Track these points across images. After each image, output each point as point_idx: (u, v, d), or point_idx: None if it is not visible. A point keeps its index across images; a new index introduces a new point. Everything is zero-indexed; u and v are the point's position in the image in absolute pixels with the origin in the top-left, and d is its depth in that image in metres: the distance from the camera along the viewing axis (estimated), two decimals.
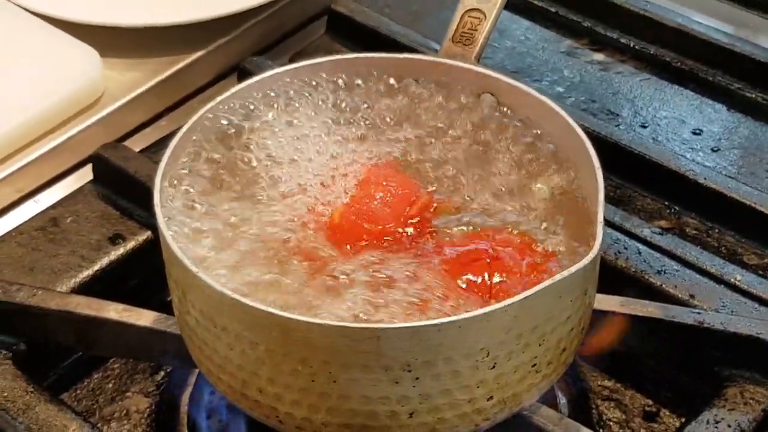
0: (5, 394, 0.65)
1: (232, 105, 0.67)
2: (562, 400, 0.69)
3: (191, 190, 0.63)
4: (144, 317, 0.66)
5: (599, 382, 0.72)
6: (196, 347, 0.60)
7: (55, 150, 0.80)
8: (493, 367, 0.56)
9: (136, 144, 0.81)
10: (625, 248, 0.72)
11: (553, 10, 0.95)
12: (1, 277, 0.69)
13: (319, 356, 0.55)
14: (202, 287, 0.56)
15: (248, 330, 0.56)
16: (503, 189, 0.62)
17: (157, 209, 0.59)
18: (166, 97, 0.85)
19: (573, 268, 0.56)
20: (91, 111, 0.82)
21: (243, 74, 0.83)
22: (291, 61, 0.88)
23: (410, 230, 0.60)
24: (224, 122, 0.66)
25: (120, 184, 0.76)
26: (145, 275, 0.74)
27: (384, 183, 0.60)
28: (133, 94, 0.83)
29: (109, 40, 0.84)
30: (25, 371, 0.66)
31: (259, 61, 0.85)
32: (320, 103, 0.65)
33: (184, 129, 0.64)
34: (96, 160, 0.78)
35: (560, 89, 0.88)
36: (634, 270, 0.71)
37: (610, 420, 0.70)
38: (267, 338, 0.55)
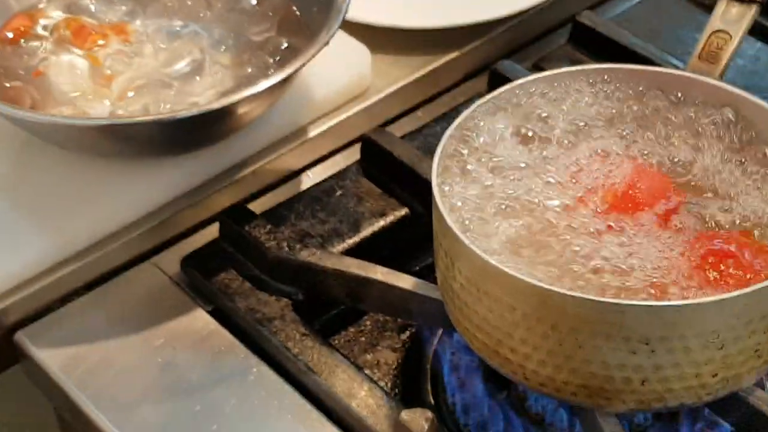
0: (285, 334, 0.76)
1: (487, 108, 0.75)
2: None
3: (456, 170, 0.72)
4: (404, 280, 0.76)
5: None
6: (457, 308, 0.69)
7: (328, 131, 0.89)
8: (721, 348, 0.63)
9: (397, 130, 0.90)
10: None
11: None
12: (286, 237, 0.81)
13: (568, 323, 0.63)
14: (471, 256, 0.65)
15: (509, 296, 0.64)
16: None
17: (435, 188, 0.68)
18: (423, 91, 0.94)
19: None
20: (359, 99, 0.91)
21: (494, 75, 0.92)
22: (535, 65, 0.97)
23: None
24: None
25: (384, 165, 0.86)
26: (401, 246, 0.84)
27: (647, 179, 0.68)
28: (395, 87, 0.92)
29: (379, 38, 0.93)
30: (302, 317, 0.78)
31: (509, 64, 0.93)
32: (585, 105, 0.74)
33: (462, 117, 0.72)
34: (365, 142, 0.88)
35: None
36: None
37: None
38: (525, 304, 0.64)
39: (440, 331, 0.80)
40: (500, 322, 0.66)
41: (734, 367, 0.65)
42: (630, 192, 0.68)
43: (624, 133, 0.72)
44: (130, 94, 0.82)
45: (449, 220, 0.66)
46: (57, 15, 0.89)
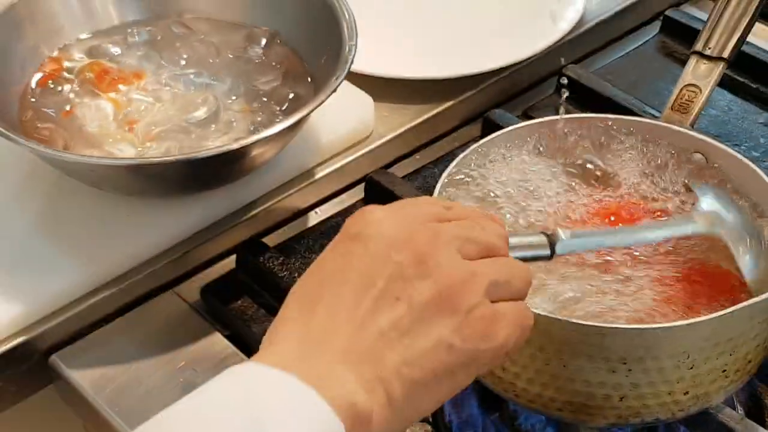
0: None
1: (482, 151, 0.82)
2: (740, 410, 0.81)
3: None
4: None
5: None
6: None
7: (334, 173, 0.95)
8: (692, 367, 0.69)
9: (398, 171, 0.97)
10: None
11: (754, 86, 1.05)
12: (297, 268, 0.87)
13: (554, 345, 0.69)
14: None
15: None
16: None
17: None
18: (422, 136, 1.00)
19: (762, 297, 0.69)
20: (363, 143, 0.97)
21: (487, 122, 0.99)
22: (524, 113, 1.04)
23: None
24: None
25: (386, 203, 0.93)
26: None
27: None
28: (396, 132, 0.99)
29: (380, 88, 1.00)
30: None
31: (500, 112, 0.99)
32: (561, 150, 0.81)
33: (457, 159, 0.80)
34: (368, 181, 0.94)
35: (756, 154, 0.98)
36: None
37: None
38: None
39: None
40: None
41: (704, 385, 0.71)
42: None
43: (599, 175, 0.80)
44: (153, 138, 0.88)
45: None
46: (80, 57, 0.95)
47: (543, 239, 0.67)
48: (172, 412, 0.56)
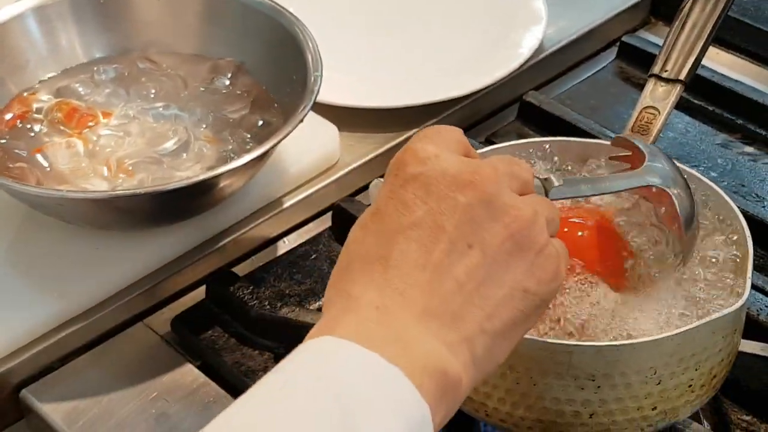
0: None
1: None
2: (707, 425, 0.83)
3: None
4: None
5: (739, 416, 0.84)
6: None
7: (301, 202, 0.96)
8: (659, 383, 0.70)
9: (365, 199, 0.97)
10: (766, 306, 0.85)
11: (710, 108, 1.08)
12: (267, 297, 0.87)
13: (523, 364, 0.69)
14: None
15: None
16: None
17: None
18: (387, 164, 1.01)
19: (726, 311, 0.70)
20: (329, 172, 0.98)
21: None
22: (487, 140, 1.06)
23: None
24: None
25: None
26: None
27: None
28: (362, 161, 1.00)
29: (345, 117, 1.01)
30: None
31: None
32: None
33: None
34: (335, 210, 0.95)
35: (714, 174, 1.01)
36: None
37: None
38: None
39: None
40: None
41: (671, 400, 0.72)
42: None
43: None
44: (126, 171, 0.89)
45: None
46: (47, 98, 0.96)
47: (539, 183, 0.66)
48: (250, 399, 0.52)
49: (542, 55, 1.11)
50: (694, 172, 0.81)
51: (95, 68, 0.98)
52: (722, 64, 1.14)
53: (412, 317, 0.54)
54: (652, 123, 0.83)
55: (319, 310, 0.87)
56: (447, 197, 0.56)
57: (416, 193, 0.56)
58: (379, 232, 0.56)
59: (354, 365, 0.52)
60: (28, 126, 0.93)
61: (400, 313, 0.54)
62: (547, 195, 0.66)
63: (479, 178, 0.57)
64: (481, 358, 0.57)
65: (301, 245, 0.95)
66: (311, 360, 0.53)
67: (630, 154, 0.79)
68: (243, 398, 0.53)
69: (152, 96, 0.97)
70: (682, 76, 0.84)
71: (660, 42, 0.87)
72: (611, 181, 0.75)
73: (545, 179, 0.67)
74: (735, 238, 0.78)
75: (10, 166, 0.88)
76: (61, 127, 0.94)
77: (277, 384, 0.53)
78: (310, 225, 0.98)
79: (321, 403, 0.51)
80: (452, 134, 0.61)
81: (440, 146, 0.58)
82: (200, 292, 0.90)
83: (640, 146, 0.78)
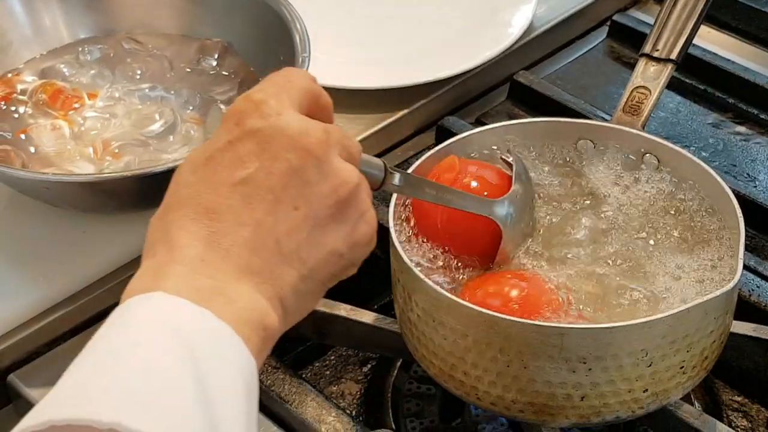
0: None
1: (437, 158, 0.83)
2: (698, 406, 0.83)
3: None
4: (366, 316, 0.82)
5: (730, 396, 0.84)
6: (415, 338, 0.75)
7: None
8: (650, 365, 0.70)
9: None
10: (758, 287, 0.85)
11: (702, 87, 1.07)
12: None
13: (514, 347, 0.69)
14: (427, 289, 0.71)
15: (461, 324, 0.70)
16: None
17: (392, 228, 0.76)
18: (377, 145, 1.01)
19: (718, 292, 0.70)
20: None
21: (441, 130, 1.00)
22: (478, 120, 1.06)
23: None
24: None
25: None
26: (362, 287, 0.91)
27: None
28: None
29: (335, 98, 1.00)
30: (273, 352, 0.84)
31: (454, 120, 1.00)
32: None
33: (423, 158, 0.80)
34: None
35: (705, 154, 1.00)
36: (765, 305, 0.84)
37: (737, 427, 0.83)
38: (475, 331, 0.70)
39: (398, 365, 0.88)
40: (454, 348, 0.72)
41: (663, 382, 0.71)
42: None
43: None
44: (112, 154, 0.89)
45: (406, 258, 0.74)
46: (32, 79, 0.95)
47: (381, 165, 0.66)
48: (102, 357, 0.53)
49: (532, 35, 1.11)
50: (685, 152, 0.80)
51: (80, 49, 0.97)
52: (714, 43, 1.13)
53: (235, 272, 0.56)
54: (643, 103, 0.83)
55: None
56: (280, 157, 0.58)
57: (251, 149, 0.58)
58: (210, 182, 0.58)
59: (196, 324, 0.54)
60: (13, 108, 0.93)
61: (224, 266, 0.56)
62: (382, 185, 0.66)
63: (314, 141, 0.58)
64: (291, 313, 0.60)
65: None
66: (153, 316, 0.54)
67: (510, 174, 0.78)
68: (89, 358, 0.54)
69: (138, 77, 0.96)
70: (673, 56, 0.84)
71: (651, 21, 0.87)
72: (460, 198, 0.74)
73: (390, 169, 0.67)
74: (726, 218, 0.77)
75: None
76: (47, 109, 0.93)
77: (128, 341, 0.53)
78: None
79: (179, 363, 0.52)
80: (300, 82, 0.62)
81: (284, 102, 0.60)
82: None
83: (514, 175, 0.76)
